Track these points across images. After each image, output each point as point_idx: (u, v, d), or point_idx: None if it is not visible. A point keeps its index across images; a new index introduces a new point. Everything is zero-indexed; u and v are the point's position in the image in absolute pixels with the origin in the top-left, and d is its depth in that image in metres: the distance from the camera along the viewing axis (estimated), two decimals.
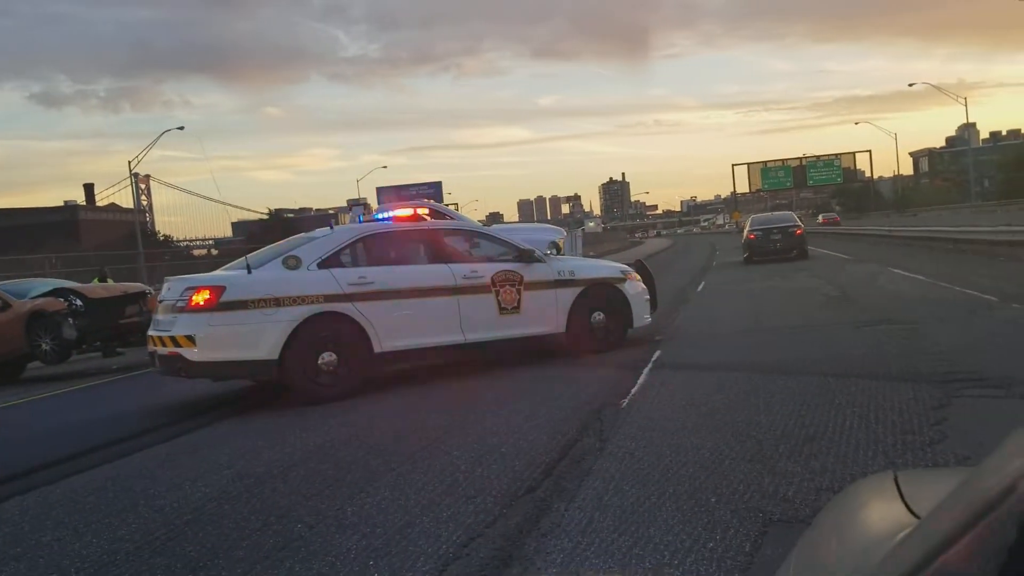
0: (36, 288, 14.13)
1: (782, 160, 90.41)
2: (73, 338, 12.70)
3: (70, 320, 12.70)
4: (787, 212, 37.73)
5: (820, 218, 65.59)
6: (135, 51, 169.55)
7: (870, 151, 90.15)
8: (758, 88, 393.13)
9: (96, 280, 18.29)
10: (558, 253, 9.93)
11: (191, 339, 7.61)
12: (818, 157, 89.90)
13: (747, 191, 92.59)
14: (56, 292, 13.52)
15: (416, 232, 9.15)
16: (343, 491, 4.85)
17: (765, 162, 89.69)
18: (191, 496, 5.11)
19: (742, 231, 32.06)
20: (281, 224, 74.33)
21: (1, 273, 23.32)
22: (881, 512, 0.95)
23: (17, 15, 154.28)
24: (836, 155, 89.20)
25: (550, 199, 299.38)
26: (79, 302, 13.08)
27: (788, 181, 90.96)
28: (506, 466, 5.00)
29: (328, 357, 7.89)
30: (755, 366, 7.88)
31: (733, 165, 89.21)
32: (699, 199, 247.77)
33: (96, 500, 5.28)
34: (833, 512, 1.10)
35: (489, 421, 6.41)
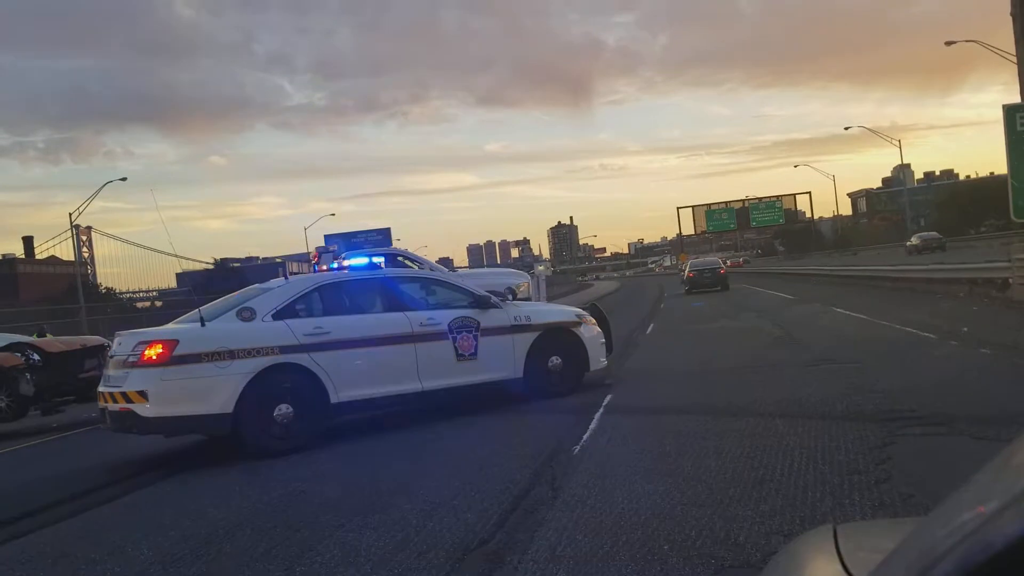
0: None
1: (725, 202, 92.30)
2: (31, 394, 12.31)
3: (28, 376, 12.31)
4: (714, 257, 49.31)
5: (728, 262, 66.81)
6: (73, 102, 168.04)
7: (810, 193, 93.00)
8: (700, 132, 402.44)
9: (35, 336, 17.82)
10: (514, 298, 9.99)
11: (143, 394, 7.47)
12: (760, 199, 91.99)
13: (692, 233, 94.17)
14: (12, 347, 13.11)
15: (371, 280, 9.15)
16: (292, 551, 4.78)
17: (709, 204, 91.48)
18: (134, 560, 4.97)
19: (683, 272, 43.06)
20: (225, 273, 73.42)
21: None
22: (818, 573, 0.99)
23: None
24: (777, 197, 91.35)
25: (499, 243, 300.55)
26: (37, 356, 12.71)
27: (732, 223, 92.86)
28: (458, 519, 4.98)
29: (284, 409, 7.80)
30: (705, 408, 7.99)
31: (678, 208, 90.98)
32: (646, 241, 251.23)
33: (31, 569, 5.11)
34: (773, 574, 1.14)
35: (442, 472, 6.38)
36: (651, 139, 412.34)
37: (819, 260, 60.14)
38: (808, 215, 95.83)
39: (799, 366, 10.20)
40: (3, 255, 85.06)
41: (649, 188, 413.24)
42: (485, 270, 21.23)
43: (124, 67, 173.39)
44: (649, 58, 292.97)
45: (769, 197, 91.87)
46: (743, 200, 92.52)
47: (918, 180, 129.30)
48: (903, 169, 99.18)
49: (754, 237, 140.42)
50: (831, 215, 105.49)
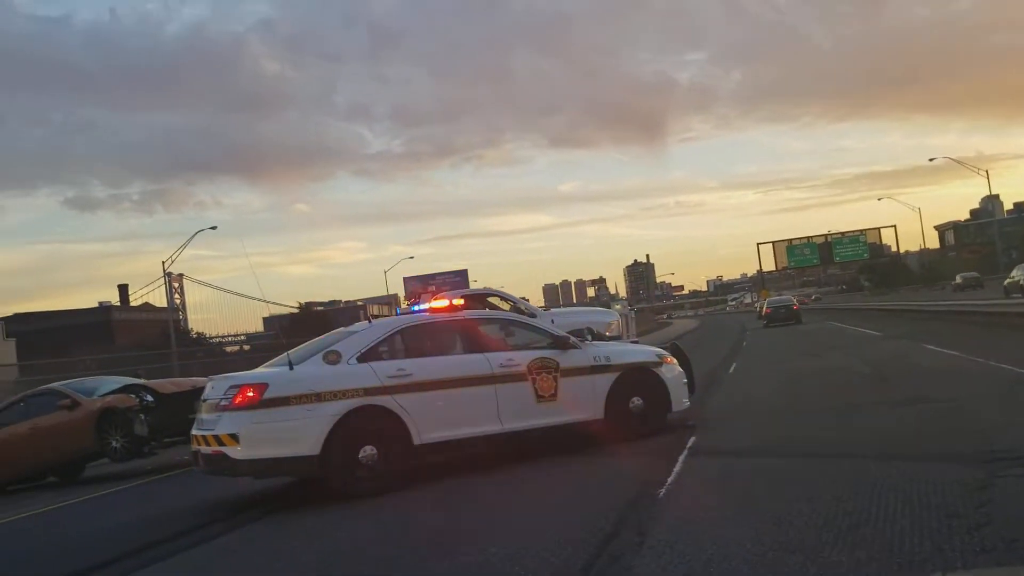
0: (105, 385, 14.09)
1: (807, 237, 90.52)
2: (144, 435, 12.55)
3: (142, 416, 12.58)
4: (787, 296, 57.95)
5: (798, 299, 67.46)
6: (166, 155, 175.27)
7: (895, 226, 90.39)
8: (777, 167, 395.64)
9: None
10: (593, 338, 9.95)
11: (235, 437, 7.67)
12: (843, 233, 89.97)
13: (773, 269, 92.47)
14: (127, 388, 13.48)
15: (452, 322, 9.26)
16: None
17: (790, 240, 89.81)
18: None
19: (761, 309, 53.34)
20: (310, 317, 75.02)
21: (40, 376, 23.70)
22: None
23: (51, 123, 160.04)
24: (861, 231, 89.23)
25: (575, 282, 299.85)
26: (150, 398, 12.98)
27: (814, 258, 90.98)
28: (543, 563, 4.95)
29: (368, 451, 7.91)
30: (793, 450, 7.81)
31: (758, 244, 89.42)
32: (725, 278, 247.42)
33: None
34: None
35: (525, 514, 6.39)
36: (727, 175, 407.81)
37: (906, 295, 58.43)
38: (894, 249, 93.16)
39: (890, 405, 9.89)
40: (100, 303, 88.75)
41: (727, 224, 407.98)
42: (576, 309, 21.38)
43: (214, 121, 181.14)
44: (723, 94, 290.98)
45: (852, 231, 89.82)
46: (825, 235, 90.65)
47: (1008, 211, 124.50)
48: (992, 200, 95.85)
49: (838, 272, 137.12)
50: (918, 248, 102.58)
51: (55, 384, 14.78)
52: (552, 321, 14.21)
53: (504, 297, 16.51)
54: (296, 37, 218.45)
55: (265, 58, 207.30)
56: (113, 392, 13.39)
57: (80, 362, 28.36)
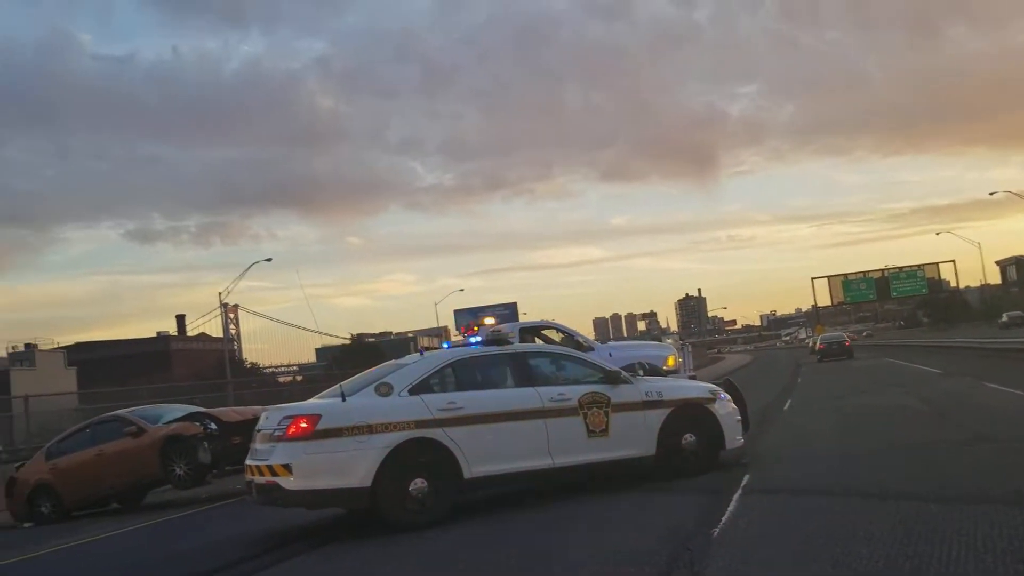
0: (169, 413, 14.35)
1: (863, 272, 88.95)
2: (208, 462, 12.74)
3: (205, 444, 12.77)
4: (840, 332, 60.72)
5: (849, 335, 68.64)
6: (223, 189, 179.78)
7: (954, 261, 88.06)
8: (831, 201, 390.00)
9: None
10: (644, 374, 9.86)
11: (288, 468, 7.74)
12: (900, 268, 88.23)
13: (829, 304, 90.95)
14: (191, 416, 13.70)
15: (502, 355, 9.27)
16: None
17: (846, 274, 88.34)
18: None
19: (815, 345, 55.03)
20: (361, 348, 75.72)
21: (99, 404, 24.25)
22: None
23: (112, 158, 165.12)
24: (919, 266, 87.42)
25: (626, 316, 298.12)
26: (214, 426, 13.17)
27: (871, 293, 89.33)
28: None
29: (419, 483, 7.92)
30: (851, 490, 7.62)
31: (812, 278, 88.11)
32: (779, 313, 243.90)
33: None
34: None
35: (577, 550, 6.32)
36: (780, 209, 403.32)
37: (965, 331, 56.98)
38: (953, 284, 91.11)
39: (952, 445, 9.62)
40: (158, 332, 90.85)
41: (780, 258, 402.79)
42: (633, 342, 21.14)
43: (269, 155, 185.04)
44: (775, 127, 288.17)
45: (910, 266, 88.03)
46: (882, 269, 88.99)
47: None
48: None
49: (895, 308, 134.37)
50: (978, 284, 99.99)
51: (121, 411, 15.06)
52: (610, 354, 14.17)
53: (560, 329, 16.40)
54: (350, 73, 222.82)
55: (320, 94, 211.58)
56: (177, 420, 13.61)
57: (138, 391, 28.92)
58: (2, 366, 67.30)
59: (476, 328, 12.65)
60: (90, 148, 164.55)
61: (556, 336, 16.00)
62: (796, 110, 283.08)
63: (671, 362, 15.11)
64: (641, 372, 9.82)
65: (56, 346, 76.14)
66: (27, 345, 72.36)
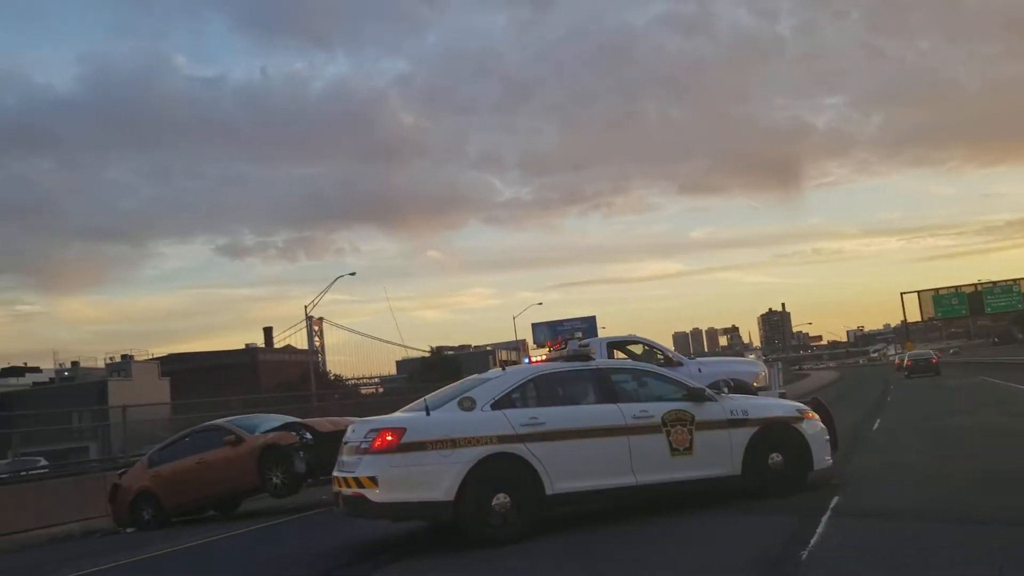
0: (265, 422, 14.71)
1: (955, 287, 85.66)
2: (303, 472, 12.98)
3: (301, 454, 13.01)
4: (927, 350, 63.06)
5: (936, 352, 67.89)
6: (309, 205, 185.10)
7: None
8: (921, 214, 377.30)
9: None
10: (729, 392, 9.70)
11: (373, 480, 7.87)
12: (995, 283, 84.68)
13: (919, 319, 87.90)
14: (287, 426, 14.00)
15: (584, 371, 9.26)
16: None
17: (936, 289, 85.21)
18: None
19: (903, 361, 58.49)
20: (441, 361, 76.43)
21: (191, 414, 25.03)
22: None
23: (206, 177, 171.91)
24: (1015, 280, 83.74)
25: (707, 331, 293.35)
26: (309, 436, 13.39)
27: (963, 309, 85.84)
28: None
29: (501, 499, 7.95)
30: (946, 515, 7.38)
31: (902, 293, 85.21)
32: (867, 328, 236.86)
33: None
34: None
35: (660, 570, 6.27)
36: (868, 222, 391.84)
37: None
38: None
39: None
40: (247, 344, 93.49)
41: (868, 272, 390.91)
42: (723, 358, 20.77)
43: (353, 172, 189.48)
44: (862, 139, 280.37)
45: (1005, 280, 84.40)
46: (975, 284, 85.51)
47: None
48: None
49: (989, 324, 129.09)
50: None
51: (220, 420, 15.51)
52: (699, 370, 14.08)
53: (648, 344, 16.26)
54: (431, 91, 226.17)
55: (401, 111, 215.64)
56: (274, 429, 13.94)
57: (227, 401, 29.77)
58: (100, 376, 70.22)
59: (565, 342, 12.65)
60: (185, 167, 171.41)
61: (640, 351, 15.85)
62: (884, 121, 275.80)
63: (761, 379, 14.82)
64: (726, 390, 9.66)
65: (151, 357, 79.04)
66: (124, 356, 75.24)
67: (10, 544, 13.89)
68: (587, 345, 11.30)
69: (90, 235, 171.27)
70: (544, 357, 11.75)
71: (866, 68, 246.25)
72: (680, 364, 14.53)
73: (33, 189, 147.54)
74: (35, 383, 75.30)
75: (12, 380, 78.47)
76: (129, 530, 14.30)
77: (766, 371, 15.49)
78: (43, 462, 24.92)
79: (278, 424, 14.39)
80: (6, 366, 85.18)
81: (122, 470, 15.78)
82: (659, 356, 15.42)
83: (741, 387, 12.73)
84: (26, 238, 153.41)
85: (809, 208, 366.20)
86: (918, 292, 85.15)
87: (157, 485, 14.25)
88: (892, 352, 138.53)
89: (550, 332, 77.55)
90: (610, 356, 15.05)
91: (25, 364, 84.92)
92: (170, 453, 14.73)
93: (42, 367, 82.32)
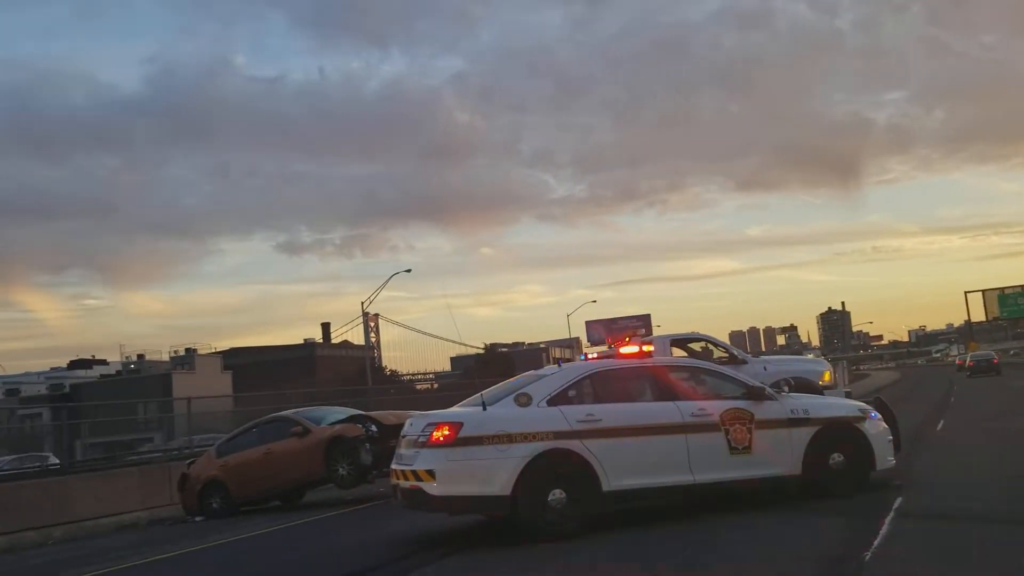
0: (331, 415, 14.99)
1: (1021, 286, 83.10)
2: (369, 463, 13.16)
3: (367, 446, 13.21)
4: (988, 351, 65.34)
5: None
6: (365, 202, 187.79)
7: None
8: (985, 211, 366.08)
9: None
10: (789, 391, 9.56)
11: (431, 473, 7.95)
12: None
13: (983, 319, 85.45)
14: (353, 419, 14.21)
15: (642, 368, 9.23)
16: None
17: (1002, 288, 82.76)
18: None
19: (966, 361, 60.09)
20: (494, 358, 76.70)
21: (252, 407, 25.53)
22: None
23: (264, 175, 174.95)
24: None
25: (764, 329, 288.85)
26: (375, 428, 13.57)
27: None
28: None
29: (557, 494, 7.97)
30: (1012, 517, 7.21)
31: (966, 292, 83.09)
32: (928, 328, 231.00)
33: None
34: None
35: (719, 570, 6.21)
36: (930, 219, 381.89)
37: None
38: None
39: None
40: (305, 339, 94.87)
41: (930, 271, 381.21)
42: (788, 356, 20.58)
43: (408, 170, 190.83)
44: (924, 134, 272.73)
45: None
46: None
47: None
48: None
49: None
50: None
51: (287, 412, 15.79)
52: (764, 368, 14.00)
53: (712, 342, 16.14)
54: (485, 89, 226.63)
55: (456, 109, 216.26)
56: (340, 422, 14.16)
57: (286, 395, 30.29)
58: (165, 369, 72.00)
59: (628, 339, 12.66)
60: (244, 165, 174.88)
61: (714, 349, 15.71)
62: (947, 116, 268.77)
63: (827, 377, 14.67)
64: (787, 388, 9.52)
65: (213, 351, 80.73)
66: (187, 350, 77.01)
67: (80, 530, 14.33)
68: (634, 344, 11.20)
69: (154, 231, 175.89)
70: (598, 355, 11.71)
71: (928, 62, 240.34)
72: (744, 362, 14.38)
73: (100, 186, 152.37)
74: (102, 375, 77.46)
75: (81, 372, 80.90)
76: (198, 518, 14.62)
77: (830, 370, 15.22)
78: (52, 459, 24.56)
79: (343, 417, 14.60)
80: (75, 358, 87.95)
81: (190, 460, 16.13)
82: (723, 354, 15.27)
83: (807, 386, 12.82)
84: (94, 234, 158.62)
85: (869, 205, 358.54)
86: (982, 291, 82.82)
87: (225, 475, 14.55)
88: (955, 352, 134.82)
89: (604, 330, 77.24)
90: (671, 354, 14.93)
91: (93, 357, 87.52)
92: (237, 444, 15.04)
93: (109, 360, 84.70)
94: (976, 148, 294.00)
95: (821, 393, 12.65)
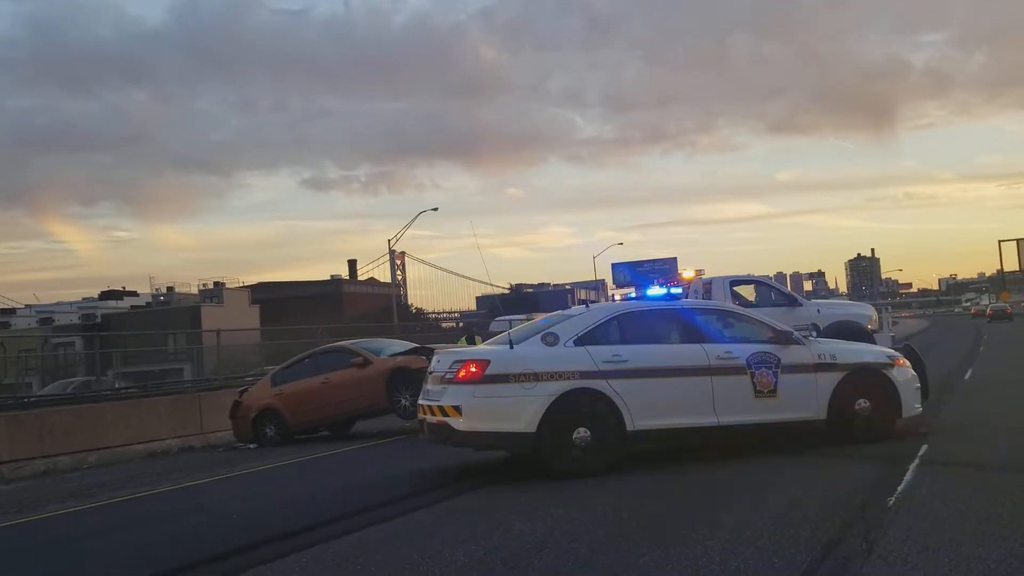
0: (388, 347, 15.18)
1: None
2: None
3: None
4: (1004, 303, 75.32)
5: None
6: (391, 139, 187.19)
7: None
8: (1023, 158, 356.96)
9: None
10: (817, 335, 9.51)
11: (458, 409, 8.05)
12: None
13: (1016, 268, 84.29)
14: (417, 350, 14.37)
15: (669, 311, 9.20)
16: (596, 573, 4.91)
17: None
18: (450, 564, 5.35)
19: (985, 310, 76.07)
20: (520, 298, 76.88)
21: (281, 340, 25.83)
22: None
23: (291, 110, 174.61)
24: None
25: (791, 275, 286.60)
26: None
27: None
28: (763, 562, 4.84)
29: (582, 433, 8.04)
30: None
31: (1000, 241, 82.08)
32: (960, 277, 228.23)
33: (365, 561, 5.67)
34: None
35: (743, 510, 6.24)
36: (966, 166, 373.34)
37: None
38: None
39: None
40: (332, 276, 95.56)
41: (963, 219, 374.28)
42: (837, 301, 21.64)
43: (434, 107, 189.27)
44: (963, 79, 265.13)
45: None
46: None
47: None
48: None
49: None
50: None
51: (345, 343, 15.99)
52: (818, 311, 14.51)
53: (768, 284, 16.59)
54: (513, 25, 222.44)
55: (483, 46, 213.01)
56: (401, 354, 14.32)
57: (314, 329, 30.58)
58: (194, 302, 72.89)
59: (676, 282, 12.80)
60: (271, 100, 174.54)
61: (752, 291, 16.07)
62: (987, 60, 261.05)
63: (874, 322, 15.11)
64: (815, 333, 9.46)
65: (241, 285, 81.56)
66: (216, 283, 77.79)
67: (112, 456, 14.68)
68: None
69: (181, 165, 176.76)
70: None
71: (969, 3, 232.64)
72: (800, 305, 14.80)
73: (128, 120, 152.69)
74: (133, 306, 78.60)
75: (112, 303, 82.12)
76: (252, 445, 14.85)
77: (875, 315, 15.64)
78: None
79: (402, 349, 14.73)
80: (106, 289, 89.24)
81: (243, 388, 16.30)
82: (781, 295, 15.67)
83: (856, 329, 13.59)
84: (122, 167, 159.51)
85: (903, 151, 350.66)
86: (1017, 240, 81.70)
87: (281, 403, 14.72)
88: (985, 302, 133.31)
89: (630, 272, 77.03)
90: (733, 294, 15.25)
91: (123, 288, 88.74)
92: (293, 373, 15.18)
93: (139, 291, 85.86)
94: (1017, 93, 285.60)
95: (871, 336, 13.32)
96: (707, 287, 15.45)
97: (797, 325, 9.58)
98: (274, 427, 14.73)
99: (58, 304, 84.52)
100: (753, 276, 17.24)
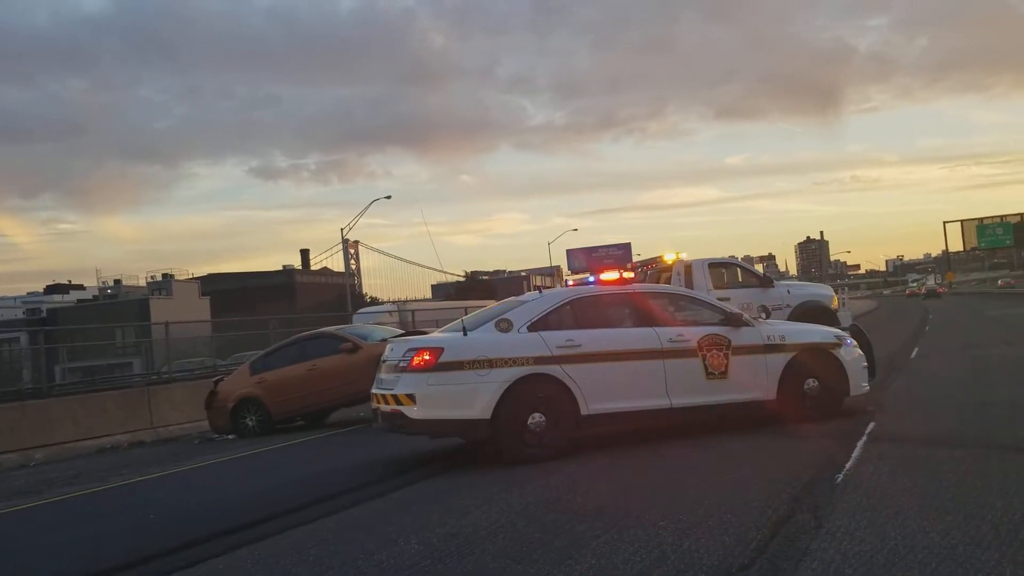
0: (375, 332, 14.88)
1: (1000, 216, 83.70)
2: None
3: None
4: (933, 284, 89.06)
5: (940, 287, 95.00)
6: (340, 127, 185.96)
7: None
8: (965, 141, 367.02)
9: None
10: (768, 317, 9.66)
11: (411, 397, 8.02)
12: None
13: (961, 249, 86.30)
14: (408, 335, 14.15)
15: (622, 295, 9.25)
16: (550, 556, 4.92)
17: (981, 219, 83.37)
18: (406, 552, 5.34)
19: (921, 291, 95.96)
20: (475, 285, 76.79)
21: (232, 332, 25.45)
22: None
23: (236, 97, 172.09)
24: None
25: (743, 258, 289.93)
26: None
27: (1007, 239, 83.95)
28: (715, 540, 4.90)
29: (537, 418, 8.07)
30: (984, 442, 7.34)
31: (945, 222, 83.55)
32: (906, 258, 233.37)
33: (319, 552, 5.64)
34: None
35: (695, 491, 6.31)
36: (909, 149, 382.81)
37: None
38: None
39: None
40: (284, 266, 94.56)
41: (908, 201, 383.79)
42: (803, 282, 22.86)
43: (383, 94, 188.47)
44: (905, 63, 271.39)
45: None
46: (1021, 214, 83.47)
47: None
48: None
49: None
50: None
51: (331, 328, 15.70)
52: (788, 291, 15.65)
53: (742, 267, 17.49)
54: (462, 9, 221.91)
55: (432, 31, 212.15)
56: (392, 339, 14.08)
57: (266, 320, 30.21)
58: (142, 294, 71.63)
59: (648, 269, 13.16)
60: (215, 87, 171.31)
61: (727, 273, 16.74)
62: (929, 44, 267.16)
63: (836, 302, 16.41)
64: (764, 315, 9.60)
65: (191, 277, 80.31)
66: (164, 275, 76.57)
67: (61, 453, 14.38)
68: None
69: (125, 155, 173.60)
70: (574, 282, 11.80)
71: None
72: (772, 286, 15.83)
73: (68, 108, 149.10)
74: (79, 300, 77.00)
75: (57, 297, 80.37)
76: (229, 436, 14.39)
77: (834, 296, 16.96)
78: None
79: (388, 335, 14.49)
80: (51, 283, 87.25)
81: (218, 377, 15.84)
82: (752, 277, 16.62)
83: (823, 309, 14.94)
84: (63, 158, 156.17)
85: (849, 135, 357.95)
86: (961, 221, 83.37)
87: (263, 392, 14.25)
88: (932, 283, 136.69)
89: (585, 258, 77.33)
90: (712, 276, 15.92)
91: (70, 282, 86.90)
92: (275, 360, 14.73)
93: (85, 285, 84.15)
94: (957, 78, 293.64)
95: (835, 315, 14.67)
96: (688, 269, 15.97)
97: (772, 304, 9.80)
98: (255, 417, 14.28)
99: (2, 299, 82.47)
100: (729, 259, 18.24)
